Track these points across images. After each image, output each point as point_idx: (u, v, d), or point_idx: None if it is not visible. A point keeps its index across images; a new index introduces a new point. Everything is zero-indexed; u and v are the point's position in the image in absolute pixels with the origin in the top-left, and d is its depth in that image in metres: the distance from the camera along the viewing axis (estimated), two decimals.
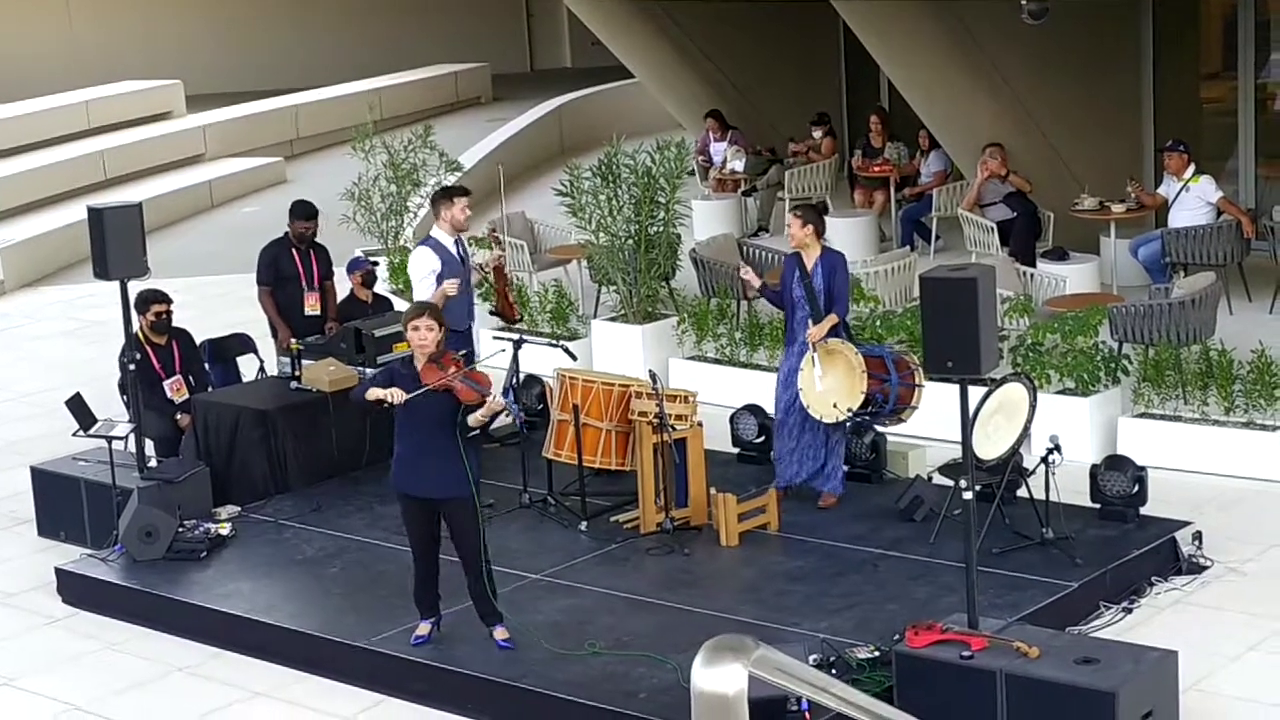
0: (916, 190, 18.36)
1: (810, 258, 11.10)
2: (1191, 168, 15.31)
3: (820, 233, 11.19)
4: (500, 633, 9.48)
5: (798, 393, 11.03)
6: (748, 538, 10.76)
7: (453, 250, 12.03)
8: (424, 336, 9.33)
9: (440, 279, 11.85)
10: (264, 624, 10.13)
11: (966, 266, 8.94)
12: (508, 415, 10.01)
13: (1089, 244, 16.13)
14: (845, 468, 11.36)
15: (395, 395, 9.19)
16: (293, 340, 12.78)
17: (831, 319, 10.97)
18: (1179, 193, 15.30)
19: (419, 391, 9.17)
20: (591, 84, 28.11)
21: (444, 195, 12.19)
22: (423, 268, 11.96)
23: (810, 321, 10.99)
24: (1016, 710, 8.17)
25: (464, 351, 11.50)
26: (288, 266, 13.31)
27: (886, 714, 4.43)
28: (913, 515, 10.85)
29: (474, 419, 9.28)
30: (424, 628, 9.60)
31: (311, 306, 13.30)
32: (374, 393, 9.31)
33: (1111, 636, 9.21)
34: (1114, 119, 16.97)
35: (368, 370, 12.30)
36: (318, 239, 13.54)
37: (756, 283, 11.49)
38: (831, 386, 10.89)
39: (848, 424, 11.15)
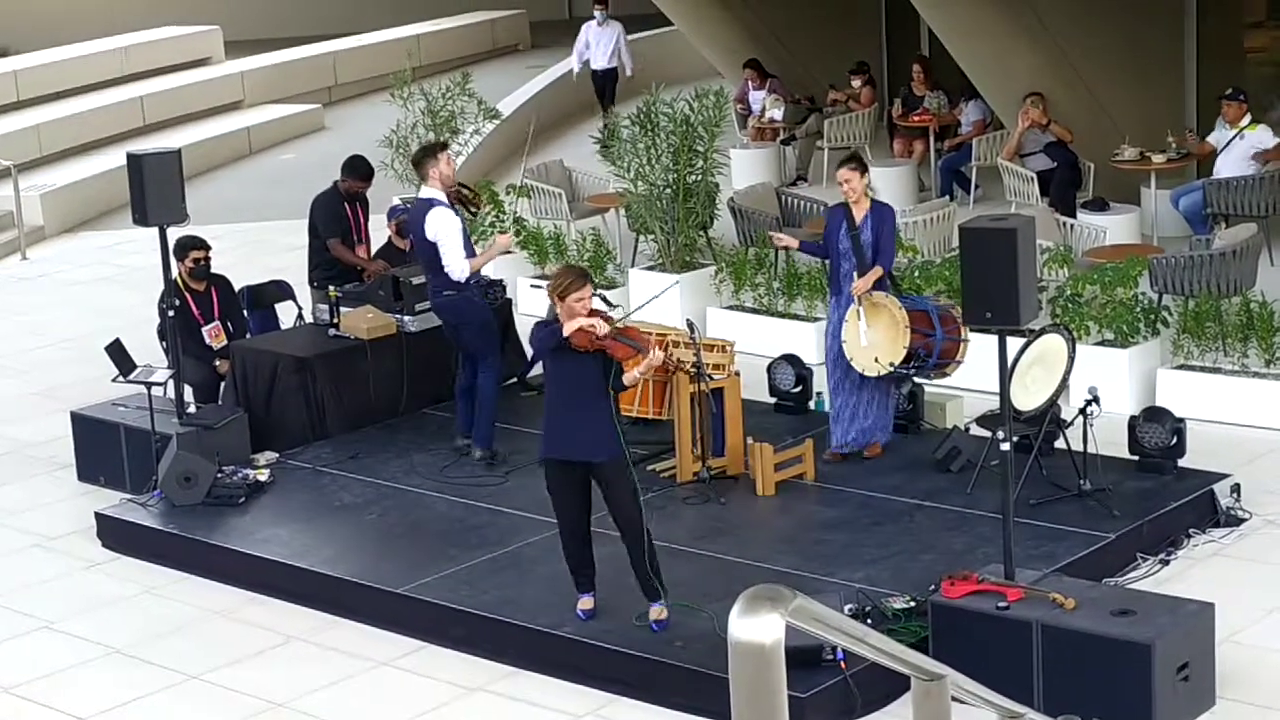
0: (956, 140, 18.28)
1: (860, 210, 11.00)
2: (1248, 117, 15.19)
3: (869, 184, 11.14)
4: (656, 611, 8.99)
5: (843, 345, 10.98)
6: (784, 487, 10.76)
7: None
8: (587, 305, 8.84)
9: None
10: (302, 569, 10.19)
11: (1006, 217, 8.91)
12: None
13: (1129, 194, 16.05)
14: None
15: (599, 325, 8.72)
16: (330, 287, 12.80)
17: (876, 271, 10.86)
18: (1231, 139, 15.17)
19: (621, 320, 8.85)
20: (630, 32, 27.97)
21: (428, 153, 11.52)
22: (455, 227, 11.26)
23: (856, 274, 10.94)
24: (1052, 661, 8.18)
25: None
26: (343, 220, 13.29)
27: (923, 664, 4.43)
28: (950, 466, 10.83)
29: (629, 379, 8.93)
30: (587, 602, 9.17)
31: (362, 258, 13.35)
32: (577, 322, 8.72)
33: (1148, 588, 9.20)
34: (1156, 68, 16.85)
35: (406, 318, 12.35)
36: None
37: (795, 244, 11.41)
38: (874, 340, 10.84)
39: (898, 380, 11.12)
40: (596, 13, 22.59)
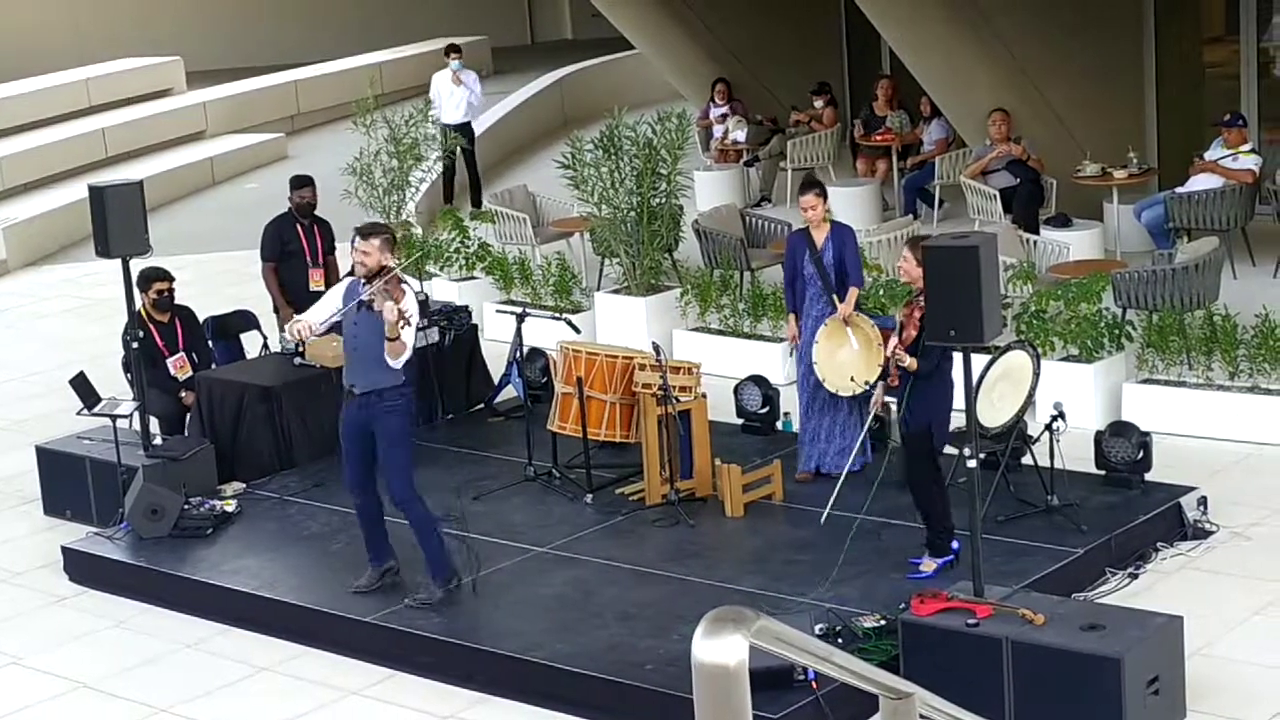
0: (919, 159, 18.33)
1: (820, 234, 11.06)
2: (1249, 143, 15.20)
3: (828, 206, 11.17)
4: (926, 564, 9.66)
5: (813, 365, 10.98)
6: (752, 508, 10.76)
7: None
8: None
9: None
10: (270, 600, 10.15)
11: (969, 234, 8.93)
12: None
13: (1092, 210, 16.10)
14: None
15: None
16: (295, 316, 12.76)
17: (854, 293, 10.94)
18: (1223, 158, 15.16)
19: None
20: (592, 56, 28.03)
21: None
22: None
23: (835, 299, 10.96)
24: (1022, 677, 8.18)
25: None
26: (292, 241, 13.32)
27: (889, 683, 4.43)
28: None
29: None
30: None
31: (316, 282, 13.28)
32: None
33: (1117, 602, 9.22)
34: (1116, 83, 16.91)
35: None
36: (319, 212, 13.55)
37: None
38: (848, 359, 10.86)
39: (871, 402, 11.11)
40: (452, 61, 20.34)
